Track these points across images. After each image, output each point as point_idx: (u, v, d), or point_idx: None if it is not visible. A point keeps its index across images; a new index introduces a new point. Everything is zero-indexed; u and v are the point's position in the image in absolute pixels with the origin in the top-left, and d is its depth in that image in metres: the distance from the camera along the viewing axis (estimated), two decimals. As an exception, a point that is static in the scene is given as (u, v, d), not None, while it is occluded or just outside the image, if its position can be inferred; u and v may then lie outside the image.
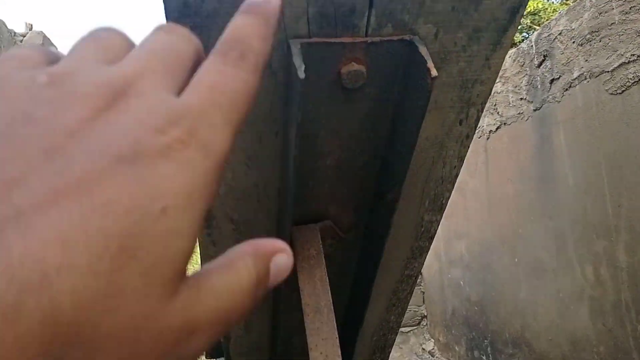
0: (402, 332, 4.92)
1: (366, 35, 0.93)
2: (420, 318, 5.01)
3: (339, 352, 1.16)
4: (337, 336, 1.17)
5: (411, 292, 1.70)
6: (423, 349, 4.75)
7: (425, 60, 0.89)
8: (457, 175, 1.32)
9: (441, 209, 1.44)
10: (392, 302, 1.67)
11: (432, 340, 4.78)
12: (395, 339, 1.86)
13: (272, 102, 1.01)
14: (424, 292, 5.03)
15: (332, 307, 1.20)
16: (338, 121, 1.03)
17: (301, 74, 0.84)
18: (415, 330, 4.98)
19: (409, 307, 5.07)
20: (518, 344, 3.10)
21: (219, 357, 2.55)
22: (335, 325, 1.18)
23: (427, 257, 4.84)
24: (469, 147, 1.24)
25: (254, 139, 1.09)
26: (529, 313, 2.96)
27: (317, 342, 1.15)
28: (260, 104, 1.01)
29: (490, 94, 1.11)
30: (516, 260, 3.10)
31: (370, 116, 1.05)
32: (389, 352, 1.88)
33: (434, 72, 0.88)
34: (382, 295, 1.61)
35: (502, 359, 3.32)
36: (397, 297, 1.67)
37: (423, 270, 4.94)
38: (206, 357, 2.64)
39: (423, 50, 0.91)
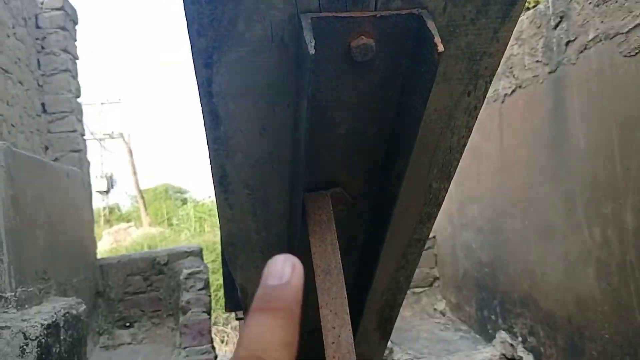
0: (414, 292, 5.02)
1: (375, 9, 0.96)
2: (432, 279, 5.10)
3: (347, 310, 1.23)
4: (346, 295, 1.24)
5: (420, 255, 1.76)
6: (435, 308, 4.86)
7: (433, 35, 0.92)
8: (465, 145, 1.36)
9: (449, 176, 1.48)
10: (401, 265, 1.74)
11: (444, 300, 4.87)
12: (404, 299, 1.93)
13: (284, 75, 1.06)
14: (436, 255, 5.10)
15: (341, 269, 1.26)
16: (348, 93, 1.07)
17: (311, 50, 0.88)
18: (428, 291, 5.07)
19: (421, 269, 5.16)
20: (526, 304, 3.17)
21: (237, 310, 2.68)
22: (344, 286, 1.25)
23: (440, 220, 4.91)
24: (477, 117, 1.27)
25: (267, 110, 1.14)
26: (537, 274, 3.02)
27: (328, 300, 1.22)
28: (273, 76, 1.05)
29: (498, 66, 1.14)
30: (527, 222, 3.14)
31: (379, 88, 1.09)
32: (398, 311, 1.95)
33: (440, 48, 0.91)
34: (391, 257, 1.67)
35: (511, 318, 3.40)
36: (406, 260, 1.73)
37: (436, 233, 5.00)
38: (225, 310, 2.77)
39: (431, 24, 0.94)
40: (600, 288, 2.40)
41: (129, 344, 4.16)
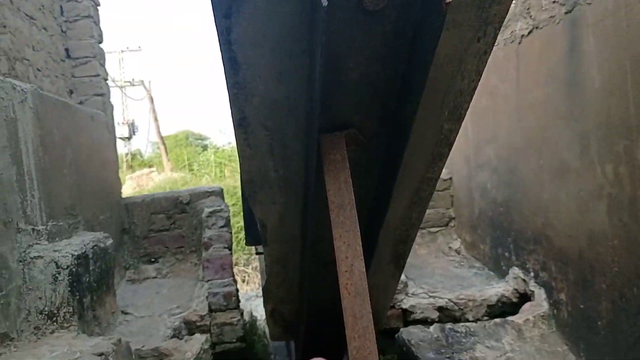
0: (430, 232, 5.13)
1: None
2: (448, 219, 5.19)
3: (360, 241, 1.32)
4: (359, 229, 1.33)
5: (431, 193, 1.83)
6: (450, 247, 4.97)
7: None
8: (475, 88, 1.40)
9: (460, 118, 1.53)
10: (414, 201, 1.81)
11: (459, 239, 4.98)
12: (416, 234, 2.02)
13: (300, 24, 1.11)
14: (452, 196, 5.17)
15: (354, 205, 1.35)
16: (361, 40, 1.12)
17: (324, 2, 0.93)
18: (443, 231, 5.18)
19: (437, 209, 5.25)
20: (539, 241, 3.26)
21: (257, 244, 2.81)
22: (357, 220, 1.34)
23: (457, 161, 4.95)
24: (487, 61, 1.32)
25: (284, 57, 1.20)
26: (550, 212, 3.08)
27: (341, 233, 1.31)
28: (289, 25, 1.11)
29: (507, 13, 1.17)
30: (541, 162, 3.18)
31: (391, 35, 1.14)
32: (411, 245, 2.05)
33: None
34: (404, 195, 1.75)
35: (524, 255, 3.50)
36: (419, 197, 1.81)
37: (452, 175, 5.05)
38: (246, 244, 2.90)
39: None
40: (611, 223, 2.47)
41: (154, 277, 4.38)
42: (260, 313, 5.53)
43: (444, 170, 5.53)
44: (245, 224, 2.89)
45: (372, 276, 2.01)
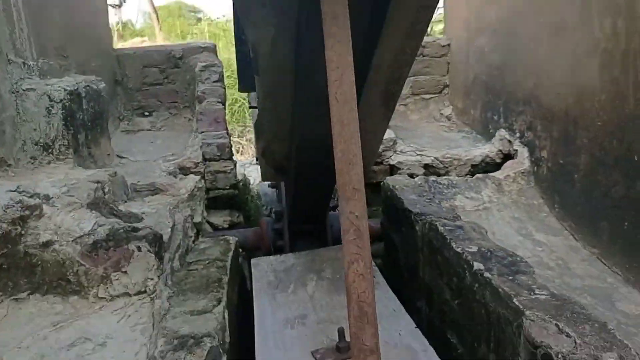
0: (423, 98, 5.15)
1: None
2: (442, 87, 5.18)
3: (351, 52, 1.32)
4: (350, 40, 1.32)
5: (427, 25, 1.81)
6: (441, 113, 5.01)
7: None
8: None
9: None
10: (409, 33, 1.79)
11: (451, 106, 5.01)
12: (409, 72, 2.02)
13: None
14: (449, 63, 5.12)
15: (348, 16, 1.33)
16: None
17: None
18: (436, 98, 5.19)
19: (433, 76, 5.22)
20: (528, 102, 3.29)
21: (251, 90, 2.81)
22: (350, 32, 1.33)
23: (456, 27, 4.84)
24: None
25: None
26: (543, 72, 3.08)
27: (333, 44, 1.31)
28: None
29: None
30: (541, 21, 3.12)
31: None
32: (402, 85, 2.06)
33: None
34: (399, 25, 1.72)
35: (512, 117, 3.55)
36: (414, 29, 1.78)
37: (451, 41, 4.96)
38: (239, 90, 2.90)
39: None
40: (601, 79, 2.48)
41: (149, 130, 4.43)
42: (253, 177, 5.68)
43: (442, 36, 5.36)
44: (238, 70, 2.87)
45: (363, 120, 2.04)
